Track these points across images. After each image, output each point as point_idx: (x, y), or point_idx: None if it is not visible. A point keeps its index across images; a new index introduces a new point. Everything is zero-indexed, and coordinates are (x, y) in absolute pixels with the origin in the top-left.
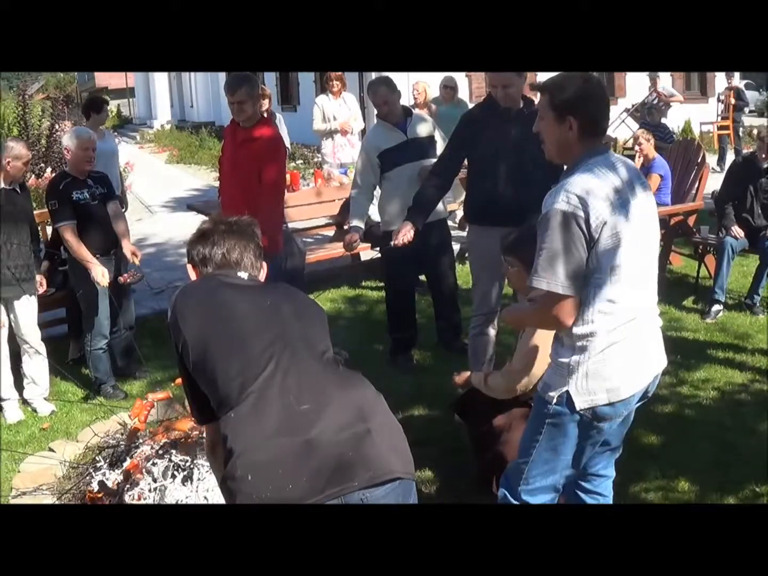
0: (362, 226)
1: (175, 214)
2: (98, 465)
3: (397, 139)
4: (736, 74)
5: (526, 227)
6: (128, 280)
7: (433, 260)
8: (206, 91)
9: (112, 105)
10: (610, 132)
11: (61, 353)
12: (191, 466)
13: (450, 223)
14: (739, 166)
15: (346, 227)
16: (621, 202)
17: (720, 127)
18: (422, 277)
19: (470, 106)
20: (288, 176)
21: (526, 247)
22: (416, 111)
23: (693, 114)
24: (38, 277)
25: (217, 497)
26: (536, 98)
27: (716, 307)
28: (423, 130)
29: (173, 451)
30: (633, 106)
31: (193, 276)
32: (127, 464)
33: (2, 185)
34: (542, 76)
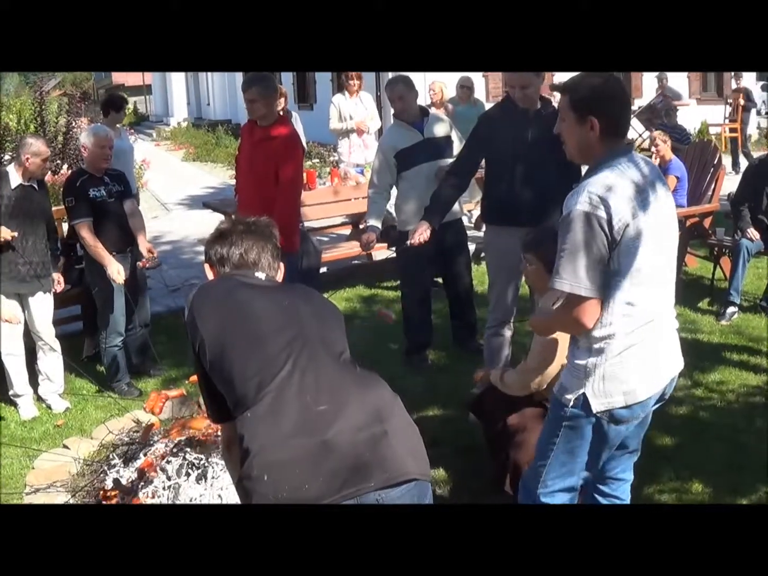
0: (379, 225)
1: (190, 212)
2: (112, 462)
3: (414, 139)
4: (745, 75)
5: (547, 226)
6: (147, 265)
7: (449, 260)
8: (223, 89)
9: (129, 102)
10: None
11: (75, 350)
12: (205, 465)
13: (466, 222)
14: (755, 168)
15: (362, 226)
16: (643, 204)
17: (730, 130)
18: (438, 278)
19: (487, 106)
20: (304, 175)
21: (546, 245)
22: (433, 111)
23: (709, 115)
24: (56, 275)
25: (231, 496)
26: (555, 99)
27: (731, 309)
28: (440, 130)
29: (188, 450)
30: (639, 107)
31: (210, 276)
32: (141, 462)
33: (20, 181)
34: (560, 77)
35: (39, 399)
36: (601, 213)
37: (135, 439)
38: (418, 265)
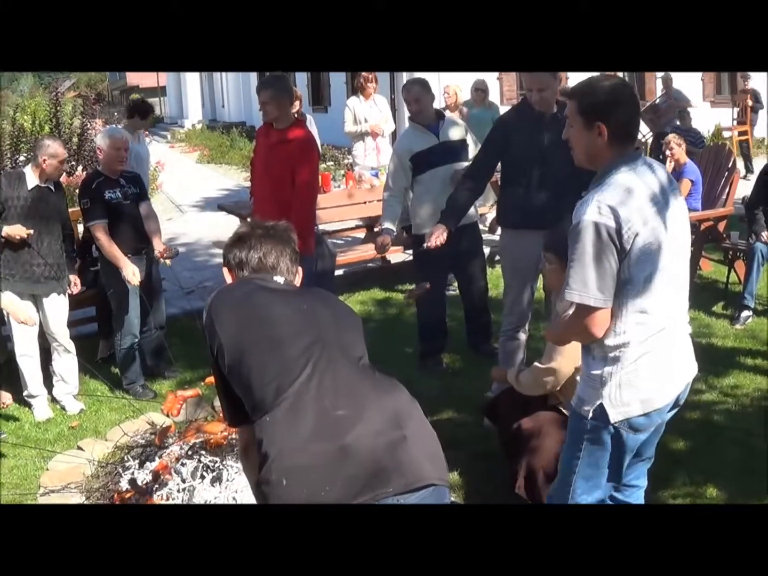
0: (394, 228)
1: (205, 214)
2: (127, 464)
3: (429, 142)
4: (755, 76)
5: (568, 226)
6: (164, 255)
7: (464, 263)
8: (237, 91)
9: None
10: None
11: (90, 352)
12: (220, 467)
13: (480, 226)
14: None
15: (376, 229)
16: (654, 211)
17: (740, 133)
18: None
19: (501, 108)
20: (319, 178)
21: (566, 246)
22: (448, 114)
23: (723, 118)
24: (72, 277)
25: (245, 499)
26: None
27: (746, 313)
28: (455, 133)
29: (203, 452)
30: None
31: (229, 279)
32: (156, 464)
33: (37, 182)
34: (576, 78)
35: (53, 400)
36: (611, 222)
37: (150, 442)
38: (433, 269)
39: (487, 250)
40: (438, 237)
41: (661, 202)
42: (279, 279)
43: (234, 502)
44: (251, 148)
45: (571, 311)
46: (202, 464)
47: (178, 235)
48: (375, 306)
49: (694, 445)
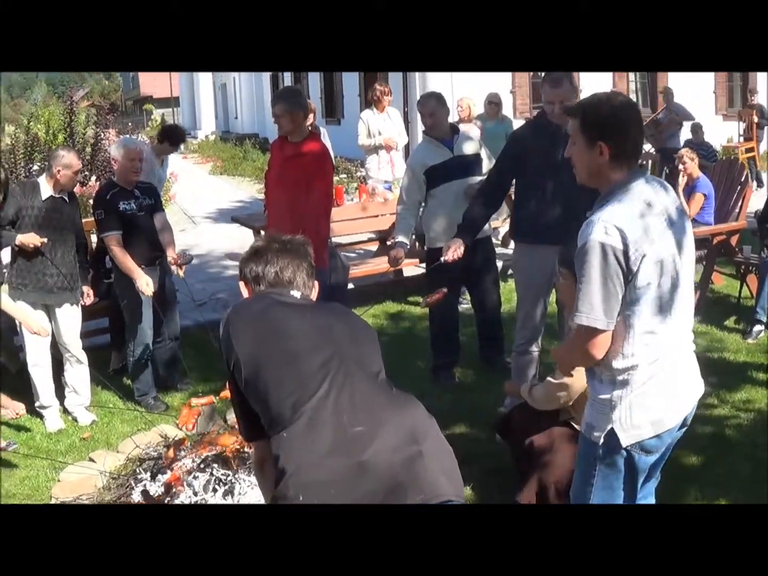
0: (407, 242)
1: (218, 226)
2: (139, 476)
3: (444, 156)
4: (761, 91)
5: None
6: (179, 261)
7: (478, 278)
8: (251, 103)
9: (156, 114)
10: None
11: (103, 363)
12: (232, 481)
13: (493, 240)
14: None
15: (389, 243)
16: (660, 230)
17: (747, 150)
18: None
19: (514, 122)
20: (333, 191)
21: None
22: (462, 127)
23: (735, 132)
24: (85, 288)
25: None
26: None
27: (758, 328)
28: (469, 147)
29: (215, 465)
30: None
31: (245, 293)
32: (168, 476)
33: (51, 193)
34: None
35: (65, 411)
36: (618, 243)
37: (162, 454)
38: (446, 282)
39: (500, 264)
40: (455, 251)
41: (666, 221)
42: (295, 293)
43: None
44: (264, 160)
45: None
46: (214, 477)
47: (191, 246)
48: (387, 319)
49: (706, 459)
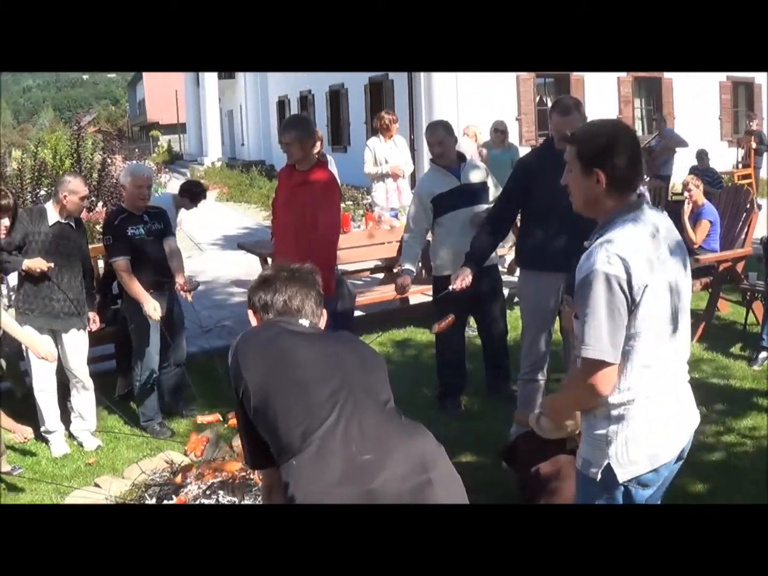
0: (414, 269)
1: (224, 252)
2: (145, 502)
3: (451, 184)
4: (759, 115)
5: None
6: (185, 288)
7: (485, 306)
8: (257, 129)
9: (163, 140)
10: None
11: (108, 389)
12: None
13: (499, 267)
14: None
15: (395, 270)
16: (660, 260)
17: (742, 177)
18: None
19: (520, 150)
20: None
21: None
22: (470, 157)
23: (738, 159)
24: (91, 314)
25: None
26: None
27: (764, 354)
28: (476, 176)
29: (221, 492)
30: None
31: (254, 322)
32: (173, 502)
33: (58, 218)
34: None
35: (70, 436)
36: (621, 273)
37: (168, 480)
38: (453, 310)
39: (506, 292)
40: (463, 280)
41: (666, 251)
42: (304, 322)
43: None
44: (270, 187)
45: (573, 370)
46: (220, 504)
47: (197, 273)
48: (394, 347)
49: (712, 487)
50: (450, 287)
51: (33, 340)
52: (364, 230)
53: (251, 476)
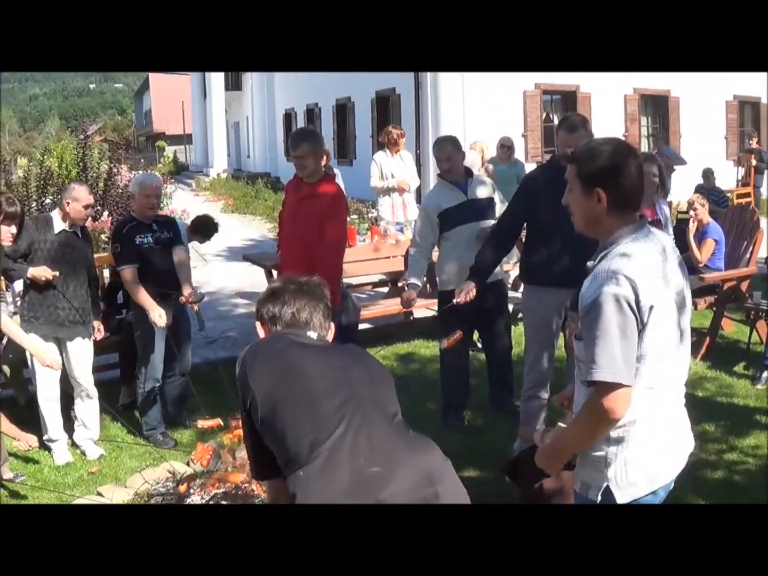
0: (420, 284)
1: (229, 264)
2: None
3: (458, 199)
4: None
5: None
6: (190, 300)
7: (489, 321)
8: (263, 141)
9: (169, 151)
10: None
11: (112, 398)
12: None
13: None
14: None
15: (400, 284)
16: (665, 281)
17: (739, 195)
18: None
19: (526, 165)
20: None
21: None
22: (477, 173)
23: (741, 178)
24: (96, 323)
25: None
26: None
27: (767, 373)
28: (483, 191)
29: (224, 503)
30: None
31: (261, 334)
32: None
33: (64, 227)
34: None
35: (73, 445)
36: (630, 294)
37: (170, 490)
38: (459, 325)
39: (510, 307)
40: (467, 294)
41: (670, 272)
42: (312, 334)
43: None
44: (276, 199)
45: (579, 395)
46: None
47: (202, 283)
48: (397, 361)
49: (714, 504)
50: (454, 300)
51: (38, 347)
52: (369, 244)
53: (255, 487)
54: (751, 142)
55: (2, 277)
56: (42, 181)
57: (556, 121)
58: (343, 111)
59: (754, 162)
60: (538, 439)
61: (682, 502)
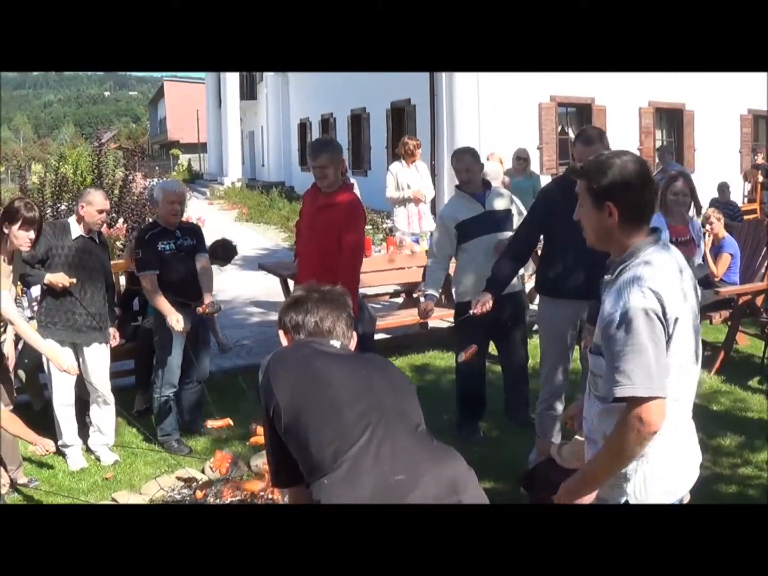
0: (437, 294)
1: (243, 272)
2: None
3: (475, 211)
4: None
5: None
6: (206, 310)
7: (506, 333)
8: (278, 151)
9: (183, 159)
10: None
11: (127, 404)
12: None
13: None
14: None
15: (416, 295)
16: (683, 296)
17: (746, 211)
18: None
19: (542, 178)
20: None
21: None
22: (495, 185)
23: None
24: (111, 330)
25: None
26: None
27: None
28: (500, 203)
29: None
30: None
31: (284, 342)
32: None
33: (81, 233)
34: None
35: (88, 450)
36: (657, 306)
37: (186, 497)
38: (476, 337)
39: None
40: (484, 305)
41: (686, 284)
42: (335, 343)
43: None
44: (290, 208)
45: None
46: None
47: (216, 292)
48: (412, 372)
49: None
50: (470, 311)
51: (55, 352)
52: (385, 254)
53: (270, 495)
54: (756, 157)
55: (19, 283)
56: (57, 188)
57: (571, 134)
58: (358, 121)
59: (761, 178)
60: (555, 453)
61: None
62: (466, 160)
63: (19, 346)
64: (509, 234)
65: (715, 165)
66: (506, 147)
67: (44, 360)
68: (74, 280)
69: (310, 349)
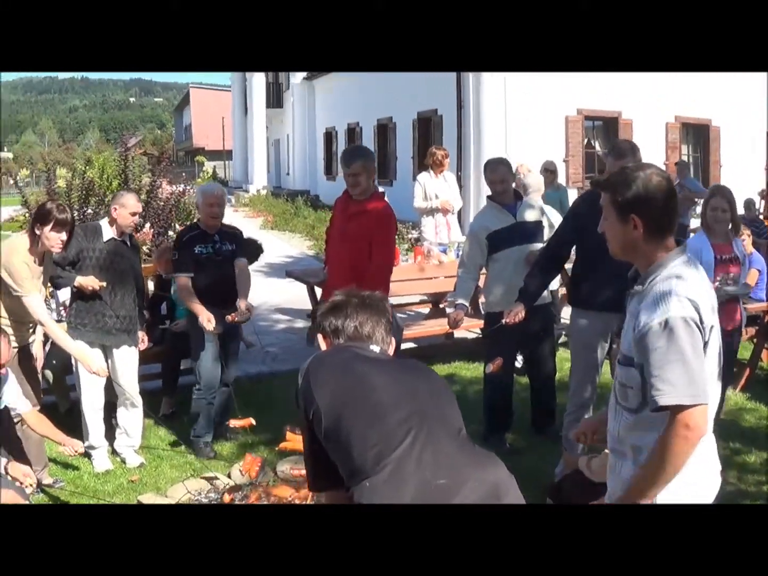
0: (467, 304)
1: (269, 280)
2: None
3: (507, 221)
4: None
5: None
6: (236, 319)
7: (535, 344)
8: (303, 159)
9: (208, 166)
10: None
11: (153, 408)
12: None
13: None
14: None
15: (442, 305)
16: (712, 308)
17: None
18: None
19: (569, 192)
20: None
21: None
22: (536, 197)
23: None
24: (140, 333)
25: None
26: None
27: None
28: (531, 215)
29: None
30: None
31: (323, 346)
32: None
33: (113, 235)
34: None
35: (114, 452)
36: (695, 314)
37: (212, 501)
38: (505, 348)
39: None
40: (516, 315)
41: (713, 299)
42: (375, 348)
43: None
44: (315, 217)
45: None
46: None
47: None
48: None
49: None
50: (503, 321)
51: (85, 354)
52: (413, 264)
53: (306, 502)
54: None
55: (49, 284)
56: (84, 192)
57: (597, 147)
58: (384, 131)
59: None
60: (584, 467)
61: None
62: (501, 171)
63: (47, 348)
64: (540, 245)
65: (741, 181)
66: (533, 159)
67: (73, 362)
68: (104, 284)
69: (350, 354)
